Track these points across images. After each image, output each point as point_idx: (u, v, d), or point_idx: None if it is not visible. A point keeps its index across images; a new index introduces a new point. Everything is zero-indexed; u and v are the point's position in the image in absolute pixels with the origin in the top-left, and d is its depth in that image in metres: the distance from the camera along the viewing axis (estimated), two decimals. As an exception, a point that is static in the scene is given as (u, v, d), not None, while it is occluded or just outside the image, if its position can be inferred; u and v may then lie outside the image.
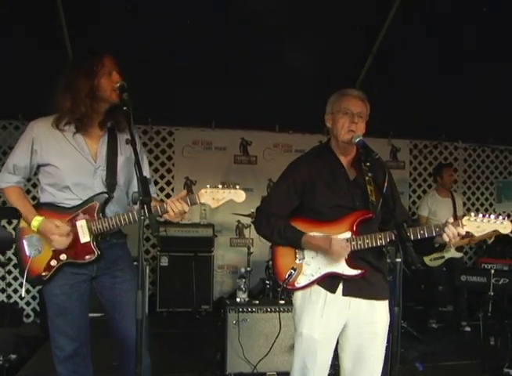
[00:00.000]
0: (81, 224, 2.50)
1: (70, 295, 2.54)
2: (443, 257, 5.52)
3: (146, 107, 4.78)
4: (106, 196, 2.56)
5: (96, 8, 4.09)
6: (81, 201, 2.53)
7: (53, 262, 2.50)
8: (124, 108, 2.31)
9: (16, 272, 5.98)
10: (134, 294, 2.07)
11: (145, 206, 2.07)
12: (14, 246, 2.61)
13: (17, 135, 5.98)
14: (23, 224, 2.56)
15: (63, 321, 2.54)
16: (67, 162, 2.51)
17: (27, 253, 2.53)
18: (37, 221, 2.48)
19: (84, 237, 2.50)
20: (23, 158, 2.55)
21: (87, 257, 2.51)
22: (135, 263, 2.21)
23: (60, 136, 2.52)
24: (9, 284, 6.04)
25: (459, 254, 5.63)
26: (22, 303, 6.04)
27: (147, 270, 5.92)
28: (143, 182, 2.12)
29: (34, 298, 6.03)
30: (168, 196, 6.55)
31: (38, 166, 2.58)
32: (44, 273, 2.50)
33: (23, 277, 2.54)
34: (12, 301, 6.00)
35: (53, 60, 4.59)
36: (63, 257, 2.50)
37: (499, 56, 4.57)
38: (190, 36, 4.38)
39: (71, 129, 2.53)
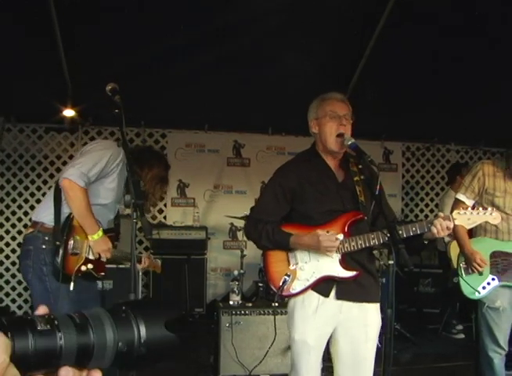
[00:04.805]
0: None
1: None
2: None
3: (138, 110, 4.77)
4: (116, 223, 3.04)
5: (88, 12, 4.07)
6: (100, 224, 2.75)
7: (83, 268, 2.71)
8: (116, 110, 2.31)
9: (7, 276, 5.94)
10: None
11: (137, 209, 2.08)
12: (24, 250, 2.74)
13: (9, 137, 5.96)
14: (75, 222, 2.65)
15: None
16: (120, 181, 2.80)
17: (70, 250, 2.64)
18: (101, 231, 2.68)
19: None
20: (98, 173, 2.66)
21: (102, 273, 2.83)
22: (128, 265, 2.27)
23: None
24: (1, 288, 6.00)
25: None
26: (14, 307, 6.00)
27: (140, 273, 5.90)
28: (135, 185, 2.13)
29: (26, 301, 5.98)
30: (161, 198, 6.52)
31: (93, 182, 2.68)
32: (74, 274, 2.66)
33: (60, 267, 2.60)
34: (3, 304, 5.97)
35: (46, 63, 4.60)
36: (90, 266, 2.74)
37: (491, 58, 4.60)
38: (183, 40, 4.37)
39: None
